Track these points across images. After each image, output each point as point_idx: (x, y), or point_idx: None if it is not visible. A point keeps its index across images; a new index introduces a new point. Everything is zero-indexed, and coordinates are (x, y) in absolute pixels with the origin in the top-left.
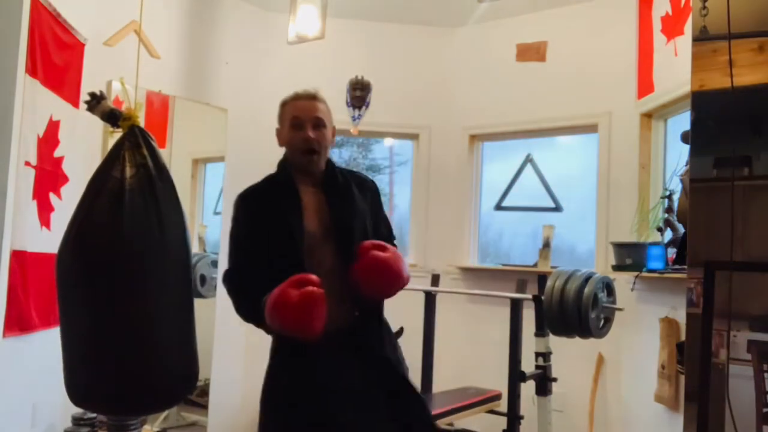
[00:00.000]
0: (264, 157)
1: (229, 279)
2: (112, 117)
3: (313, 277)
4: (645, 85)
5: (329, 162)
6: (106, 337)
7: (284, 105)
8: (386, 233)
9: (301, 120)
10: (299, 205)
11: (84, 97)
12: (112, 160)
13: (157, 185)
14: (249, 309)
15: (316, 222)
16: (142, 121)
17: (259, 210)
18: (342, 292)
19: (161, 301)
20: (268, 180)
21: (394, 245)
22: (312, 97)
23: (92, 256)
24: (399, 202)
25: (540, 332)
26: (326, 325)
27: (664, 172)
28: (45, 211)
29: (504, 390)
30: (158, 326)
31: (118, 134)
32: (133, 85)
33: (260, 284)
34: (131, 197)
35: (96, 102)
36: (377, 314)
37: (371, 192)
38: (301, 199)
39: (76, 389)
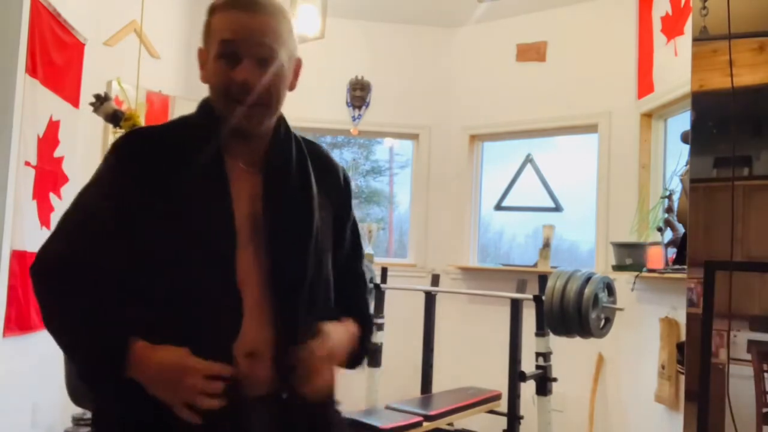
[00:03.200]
0: None
1: (60, 273)
2: (115, 118)
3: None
4: (645, 85)
5: (280, 122)
6: None
7: (213, 11)
8: (351, 251)
9: (235, 47)
10: (225, 183)
11: (84, 97)
12: None
13: None
14: (94, 338)
15: (244, 219)
16: (143, 122)
17: (161, 171)
18: (267, 337)
19: None
20: (178, 126)
21: (361, 267)
22: (259, 8)
23: None
24: (399, 202)
25: (540, 332)
26: (231, 390)
27: (664, 172)
28: (45, 211)
29: (504, 390)
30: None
31: (120, 134)
32: (134, 85)
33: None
34: None
35: (100, 103)
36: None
37: (340, 180)
38: (227, 174)
39: (75, 388)
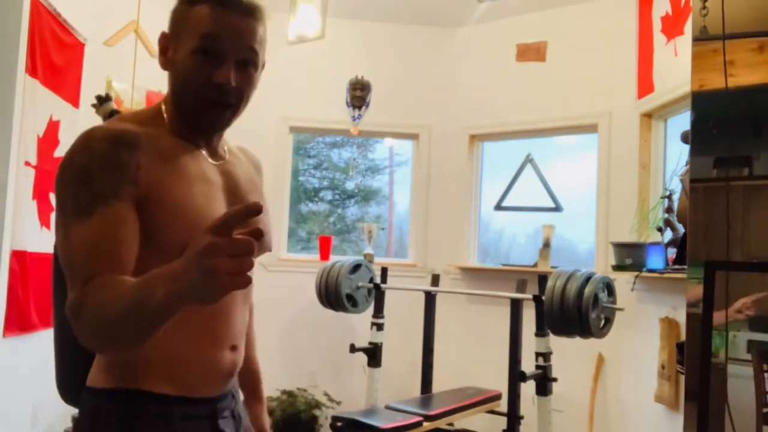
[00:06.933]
0: (265, 156)
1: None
2: (112, 117)
3: None
4: (645, 85)
5: None
6: None
7: (193, 3)
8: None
9: (221, 46)
10: (207, 175)
11: (84, 97)
12: None
13: None
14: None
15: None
16: None
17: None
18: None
19: None
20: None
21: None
22: (249, 10)
23: None
24: (399, 202)
25: (540, 332)
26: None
27: (664, 172)
28: (45, 211)
29: (504, 390)
30: None
31: None
32: (135, 85)
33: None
34: None
35: (100, 104)
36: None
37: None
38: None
39: (68, 388)
